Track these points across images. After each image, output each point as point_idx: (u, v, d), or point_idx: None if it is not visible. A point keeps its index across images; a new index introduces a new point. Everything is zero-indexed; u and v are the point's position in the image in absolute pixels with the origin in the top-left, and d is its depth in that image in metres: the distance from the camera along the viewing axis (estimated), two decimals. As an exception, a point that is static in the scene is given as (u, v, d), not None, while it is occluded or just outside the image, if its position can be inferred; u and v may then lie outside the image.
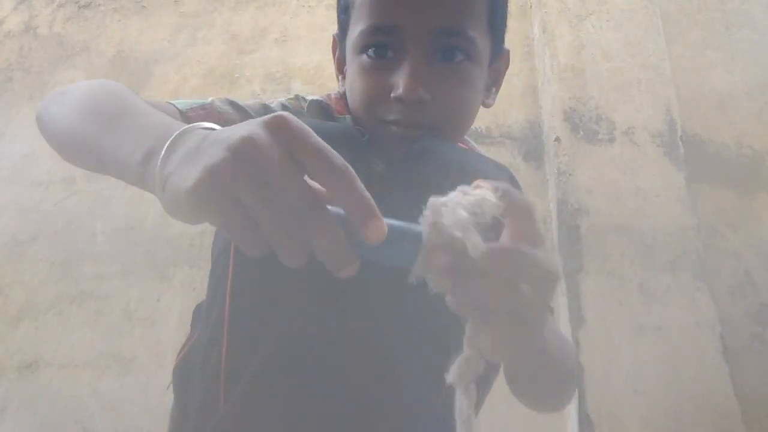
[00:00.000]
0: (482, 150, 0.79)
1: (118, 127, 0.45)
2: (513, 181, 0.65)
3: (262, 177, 0.33)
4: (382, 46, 0.61)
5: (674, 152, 1.47)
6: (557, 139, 1.50)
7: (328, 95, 0.75)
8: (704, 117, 1.61)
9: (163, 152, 0.37)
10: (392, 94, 0.60)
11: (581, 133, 1.50)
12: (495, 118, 1.66)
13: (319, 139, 0.35)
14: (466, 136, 0.78)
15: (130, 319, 1.49)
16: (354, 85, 0.65)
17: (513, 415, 1.22)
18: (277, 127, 0.34)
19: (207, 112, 0.69)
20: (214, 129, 0.38)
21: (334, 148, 0.59)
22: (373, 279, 0.56)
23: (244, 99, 0.73)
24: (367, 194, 0.35)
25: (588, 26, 1.65)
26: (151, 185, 0.38)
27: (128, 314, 1.50)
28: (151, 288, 1.53)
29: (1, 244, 1.65)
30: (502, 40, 0.69)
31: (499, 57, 0.70)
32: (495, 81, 0.72)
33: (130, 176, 0.42)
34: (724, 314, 1.31)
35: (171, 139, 0.37)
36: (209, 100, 0.70)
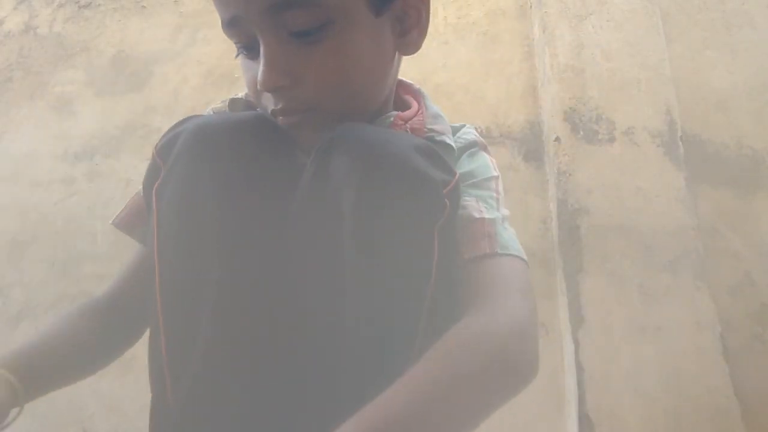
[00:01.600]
0: (435, 109, 0.70)
1: None
2: (437, 160, 0.56)
3: None
4: (239, 40, 0.59)
5: (674, 152, 1.47)
6: (557, 139, 1.50)
7: None
8: (704, 117, 1.61)
9: None
10: (257, 87, 0.58)
11: (581, 133, 1.50)
12: (495, 118, 1.66)
13: None
14: (429, 102, 0.71)
15: (130, 319, 1.49)
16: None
17: (513, 414, 1.22)
18: None
19: (129, 209, 0.72)
20: None
21: (247, 139, 0.58)
22: (299, 272, 0.55)
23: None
24: None
25: (588, 26, 1.65)
26: None
27: (128, 314, 1.50)
28: (151, 288, 1.53)
29: (1, 244, 1.65)
30: None
31: None
32: (416, 23, 0.62)
33: None
34: (724, 314, 1.31)
35: None
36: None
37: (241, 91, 0.73)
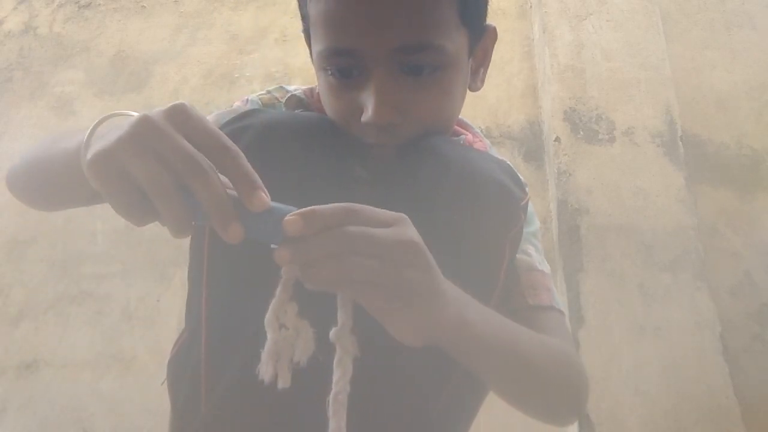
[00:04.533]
0: (493, 148, 0.77)
1: (59, 146, 0.55)
2: (515, 179, 0.61)
3: (155, 150, 0.38)
4: (344, 66, 0.57)
5: (674, 152, 1.47)
6: (557, 139, 1.50)
7: (311, 89, 0.72)
8: (704, 117, 1.61)
9: (85, 138, 0.43)
10: (362, 118, 0.56)
11: (581, 133, 1.50)
12: (495, 118, 1.66)
13: (211, 125, 0.40)
14: (475, 128, 0.76)
15: (130, 319, 1.49)
16: (324, 100, 0.62)
17: (513, 414, 1.22)
18: (173, 111, 0.40)
19: None
20: (131, 115, 0.42)
21: (315, 145, 0.58)
22: None
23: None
24: (251, 170, 0.39)
25: (588, 26, 1.65)
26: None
27: (128, 314, 1.50)
28: (151, 288, 1.53)
29: (1, 244, 1.65)
30: (483, 22, 0.63)
31: (481, 38, 0.64)
32: (482, 62, 0.67)
33: (74, 172, 0.48)
34: (724, 314, 1.31)
35: (91, 127, 0.44)
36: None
37: (240, 92, 0.72)
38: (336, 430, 0.41)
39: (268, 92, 0.72)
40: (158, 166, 0.37)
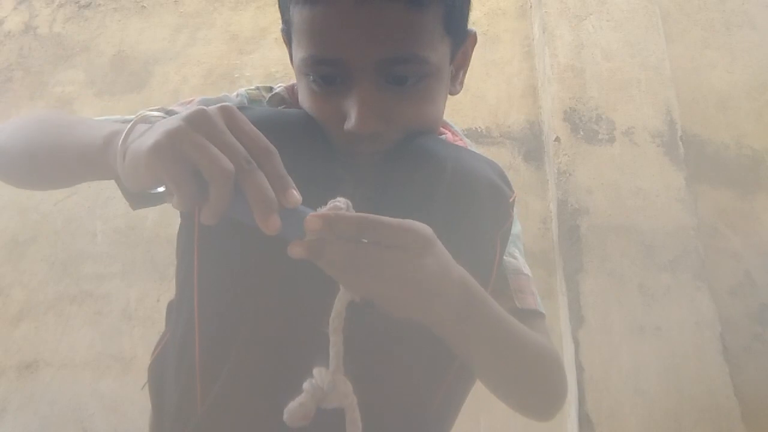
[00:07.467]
0: (473, 145, 0.77)
1: (73, 130, 0.55)
2: (503, 177, 0.62)
3: (211, 139, 0.41)
4: (327, 74, 0.57)
5: (674, 152, 1.47)
6: (557, 139, 1.50)
7: (292, 87, 0.72)
8: (704, 117, 1.61)
9: (125, 131, 0.46)
10: (345, 126, 0.56)
11: (581, 133, 1.50)
12: (495, 118, 1.66)
13: (254, 128, 0.44)
14: (458, 129, 0.77)
15: (130, 319, 1.49)
16: (305, 106, 0.62)
17: (513, 414, 1.22)
18: (224, 111, 0.44)
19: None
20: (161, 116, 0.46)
21: (299, 139, 0.58)
22: None
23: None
24: (285, 171, 0.43)
25: (588, 26, 1.65)
26: (110, 161, 0.47)
27: (128, 314, 1.50)
28: (151, 288, 1.53)
29: (1, 244, 1.65)
30: (465, 27, 0.64)
31: (463, 44, 0.65)
32: (462, 65, 0.67)
33: (90, 163, 0.52)
34: (724, 314, 1.31)
35: (134, 119, 0.46)
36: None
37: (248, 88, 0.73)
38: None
39: (257, 88, 0.73)
40: (218, 151, 0.41)
